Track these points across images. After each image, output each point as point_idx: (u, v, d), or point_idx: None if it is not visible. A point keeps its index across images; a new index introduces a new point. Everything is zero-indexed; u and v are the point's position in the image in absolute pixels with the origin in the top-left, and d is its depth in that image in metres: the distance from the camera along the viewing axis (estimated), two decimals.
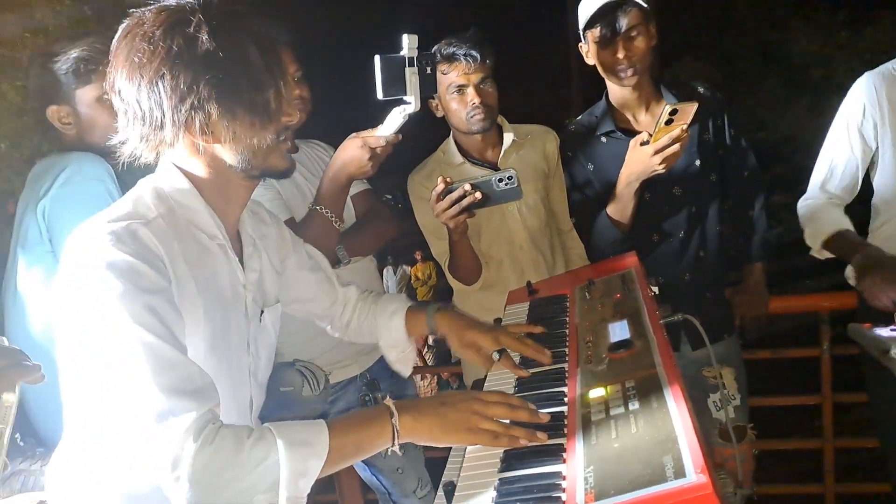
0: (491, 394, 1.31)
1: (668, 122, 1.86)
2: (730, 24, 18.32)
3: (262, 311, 1.45)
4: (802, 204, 2.27)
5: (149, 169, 1.34)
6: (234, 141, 1.24)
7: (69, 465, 1.32)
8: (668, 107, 1.84)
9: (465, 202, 1.93)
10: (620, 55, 2.09)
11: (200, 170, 1.29)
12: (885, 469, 2.32)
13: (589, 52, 2.19)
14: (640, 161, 1.95)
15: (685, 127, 1.88)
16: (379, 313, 1.73)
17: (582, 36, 2.19)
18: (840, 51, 16.48)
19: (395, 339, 1.71)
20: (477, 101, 2.24)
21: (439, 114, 2.36)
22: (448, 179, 1.96)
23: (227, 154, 1.27)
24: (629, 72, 2.11)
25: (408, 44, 1.67)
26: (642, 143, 1.94)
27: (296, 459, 1.11)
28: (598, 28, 2.09)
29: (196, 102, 1.18)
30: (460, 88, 2.24)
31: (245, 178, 1.32)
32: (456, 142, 2.41)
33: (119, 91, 1.23)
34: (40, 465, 1.72)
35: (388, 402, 1.23)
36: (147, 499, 1.21)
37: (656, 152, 1.90)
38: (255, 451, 1.10)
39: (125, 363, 1.11)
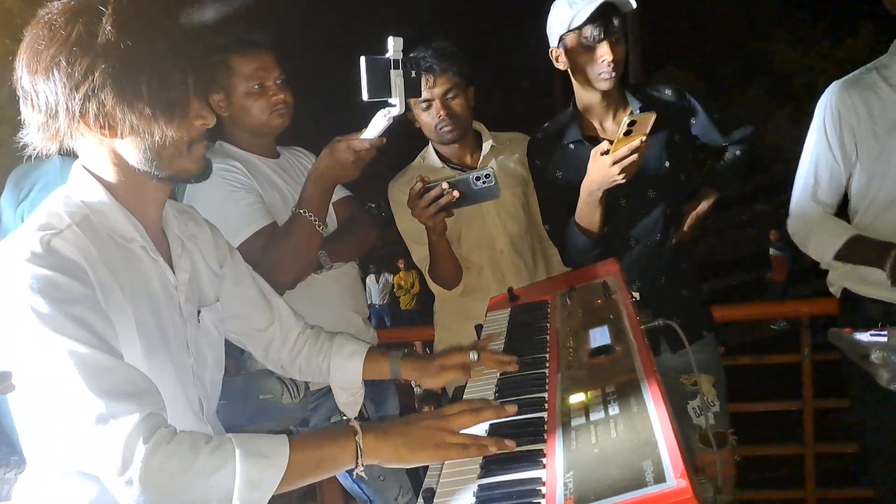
0: (452, 406, 1.30)
1: (628, 133, 1.87)
2: (712, 33, 18.49)
3: (199, 312, 1.42)
4: (795, 220, 2.25)
5: None
6: (132, 134, 1.21)
7: (32, 485, 1.29)
8: (626, 118, 1.85)
9: (442, 201, 1.95)
10: (609, 57, 2.06)
11: (110, 172, 1.27)
12: (866, 474, 2.33)
13: (562, 56, 2.16)
14: (600, 171, 1.95)
15: (644, 138, 1.89)
16: (335, 353, 1.68)
17: (557, 39, 2.15)
18: (821, 60, 16.67)
19: (348, 381, 1.67)
20: (442, 114, 2.27)
21: (417, 125, 2.37)
22: (426, 178, 1.97)
23: (130, 152, 1.24)
24: (613, 74, 2.09)
25: (393, 46, 1.67)
26: (602, 154, 1.95)
27: (252, 470, 1.09)
28: (590, 28, 2.05)
29: (90, 91, 1.15)
30: (427, 104, 2.28)
31: (154, 179, 1.28)
32: (435, 149, 2.43)
33: (20, 79, 1.20)
34: (15, 473, 1.70)
35: (354, 423, 1.22)
36: None
37: (615, 163, 1.91)
38: (212, 458, 1.09)
39: (58, 377, 1.08)
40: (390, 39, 1.67)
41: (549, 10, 2.16)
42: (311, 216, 1.92)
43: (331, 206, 2.10)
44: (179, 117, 1.22)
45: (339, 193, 2.27)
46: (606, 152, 1.93)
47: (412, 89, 1.73)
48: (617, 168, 1.91)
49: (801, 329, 2.78)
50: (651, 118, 1.87)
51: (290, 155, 2.34)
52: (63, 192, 1.28)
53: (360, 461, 1.19)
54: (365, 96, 1.64)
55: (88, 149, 1.26)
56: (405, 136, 2.33)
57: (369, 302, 14.22)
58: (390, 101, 1.70)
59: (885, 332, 1.75)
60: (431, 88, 2.24)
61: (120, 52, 1.15)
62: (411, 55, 2.20)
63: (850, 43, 16.25)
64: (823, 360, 2.71)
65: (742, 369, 2.78)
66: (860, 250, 2.08)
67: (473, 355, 1.55)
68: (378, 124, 1.79)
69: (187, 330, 1.37)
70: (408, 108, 2.28)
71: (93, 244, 1.21)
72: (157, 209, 1.36)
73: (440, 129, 2.30)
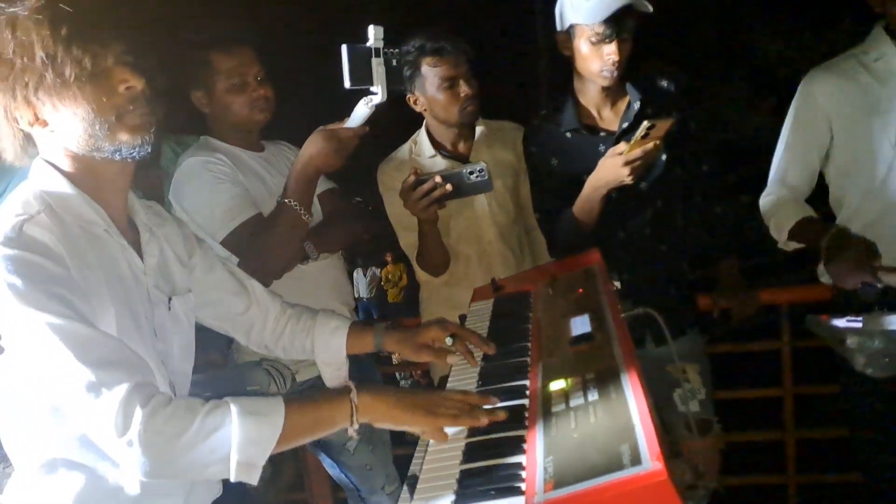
0: (452, 393, 1.33)
1: (645, 137, 1.89)
2: (694, 26, 18.51)
3: (170, 299, 1.43)
4: (764, 199, 2.29)
5: None
6: (59, 120, 1.23)
7: (18, 481, 1.31)
8: (645, 122, 1.85)
9: (435, 194, 1.97)
10: (615, 57, 2.05)
11: (65, 162, 1.28)
12: (851, 459, 2.34)
13: (567, 43, 2.14)
14: (611, 170, 1.97)
15: (658, 142, 1.92)
16: (318, 330, 1.69)
17: (567, 25, 2.11)
18: (803, 52, 16.69)
19: (333, 356, 1.70)
20: (468, 91, 2.27)
21: (419, 108, 2.37)
22: (419, 171, 2.00)
23: (69, 139, 1.25)
24: (615, 73, 2.09)
25: (374, 34, 1.68)
26: (619, 153, 1.96)
27: (250, 427, 1.12)
28: (604, 27, 2.02)
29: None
30: (452, 81, 2.26)
31: (105, 161, 1.27)
32: (429, 134, 2.43)
33: None
34: (2, 466, 1.71)
35: (350, 382, 1.25)
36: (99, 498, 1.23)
37: (627, 163, 1.93)
38: (210, 419, 1.11)
39: (45, 353, 1.11)
40: (370, 28, 1.68)
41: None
42: (295, 205, 1.93)
43: (316, 198, 2.11)
44: (86, 92, 1.21)
45: (324, 185, 2.28)
46: (622, 153, 1.95)
47: (394, 78, 1.74)
48: (627, 169, 1.94)
49: (780, 317, 2.81)
50: (668, 124, 1.90)
51: (275, 148, 2.34)
52: (25, 185, 1.29)
53: (354, 419, 1.22)
54: (347, 84, 1.67)
55: (42, 144, 1.28)
56: (391, 129, 2.34)
57: (357, 295, 14.19)
58: (372, 89, 1.72)
59: (861, 318, 1.79)
60: (459, 67, 2.24)
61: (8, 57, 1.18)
62: (425, 36, 2.21)
63: (832, 35, 16.30)
64: (805, 346, 2.74)
65: (725, 356, 2.80)
66: (805, 231, 2.14)
67: (449, 340, 1.58)
68: (360, 113, 1.80)
69: (155, 315, 1.38)
70: (411, 90, 2.30)
71: (61, 230, 1.22)
72: (119, 196, 1.36)
73: (466, 107, 2.29)
